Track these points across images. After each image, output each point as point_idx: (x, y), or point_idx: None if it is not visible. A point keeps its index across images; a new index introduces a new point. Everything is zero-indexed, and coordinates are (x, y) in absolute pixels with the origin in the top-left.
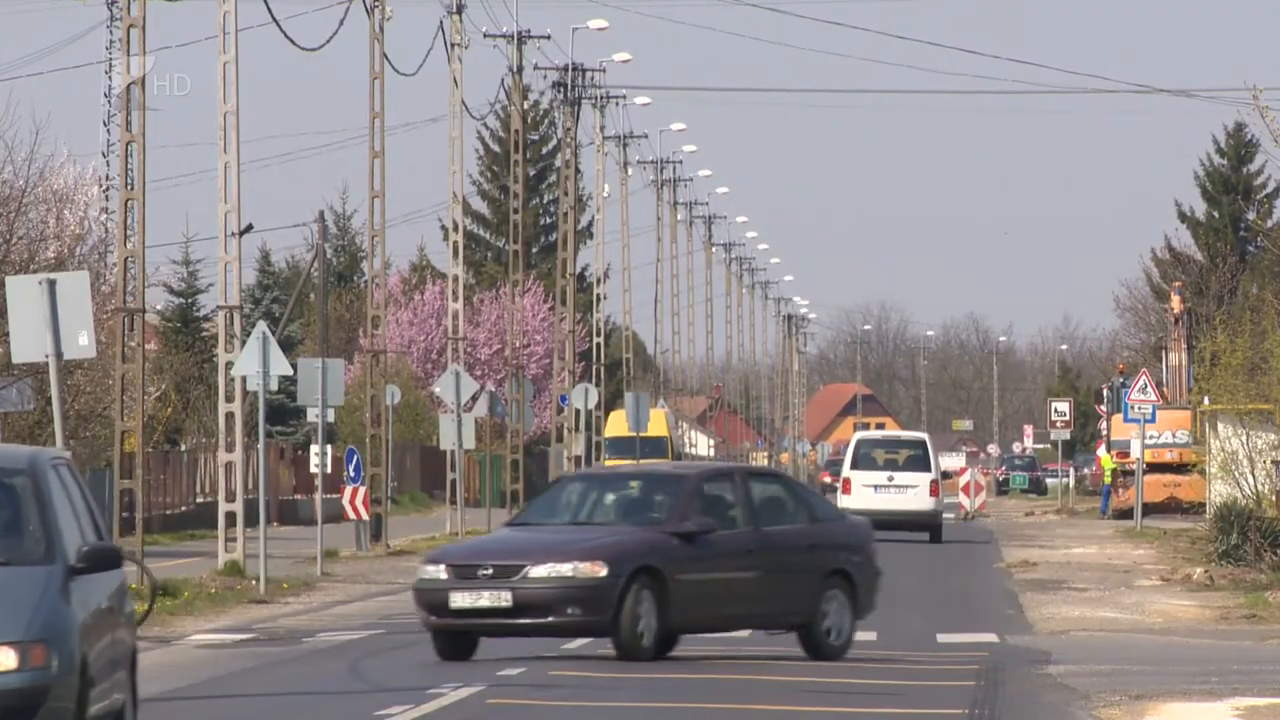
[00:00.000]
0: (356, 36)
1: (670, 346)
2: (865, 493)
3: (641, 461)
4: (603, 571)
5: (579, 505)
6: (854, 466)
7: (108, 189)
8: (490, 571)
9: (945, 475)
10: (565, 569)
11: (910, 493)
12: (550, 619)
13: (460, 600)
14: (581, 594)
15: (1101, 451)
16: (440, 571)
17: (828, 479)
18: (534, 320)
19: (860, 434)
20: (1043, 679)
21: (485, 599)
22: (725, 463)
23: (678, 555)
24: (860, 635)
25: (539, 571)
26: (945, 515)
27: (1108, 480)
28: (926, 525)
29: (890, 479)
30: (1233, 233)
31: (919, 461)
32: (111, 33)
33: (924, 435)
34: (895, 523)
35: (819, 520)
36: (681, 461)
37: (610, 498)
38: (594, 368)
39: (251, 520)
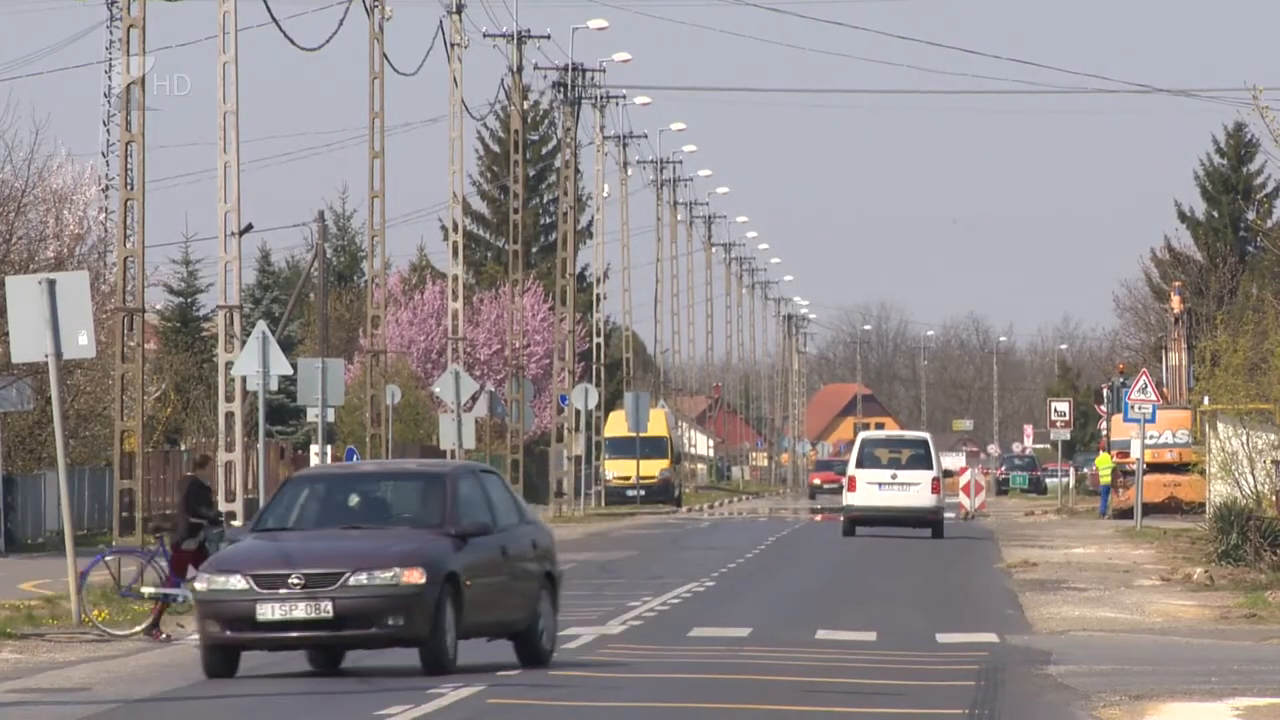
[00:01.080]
0: (356, 36)
1: (670, 346)
2: (870, 490)
3: (369, 460)
4: (421, 579)
5: (335, 508)
6: (859, 465)
7: (107, 189)
8: (301, 581)
9: (947, 474)
10: (386, 576)
11: (913, 490)
12: (373, 630)
13: (270, 612)
14: (404, 603)
15: (1101, 454)
16: (239, 581)
17: (817, 480)
18: (534, 320)
19: (865, 434)
20: (1043, 679)
21: (301, 610)
22: (458, 461)
23: (462, 560)
24: (860, 635)
25: (359, 579)
26: (947, 515)
27: (1105, 480)
28: (929, 521)
29: (894, 476)
30: (1233, 233)
31: (921, 460)
32: (111, 33)
33: (926, 435)
34: (898, 519)
35: (529, 521)
36: (419, 460)
37: (361, 499)
38: (594, 368)
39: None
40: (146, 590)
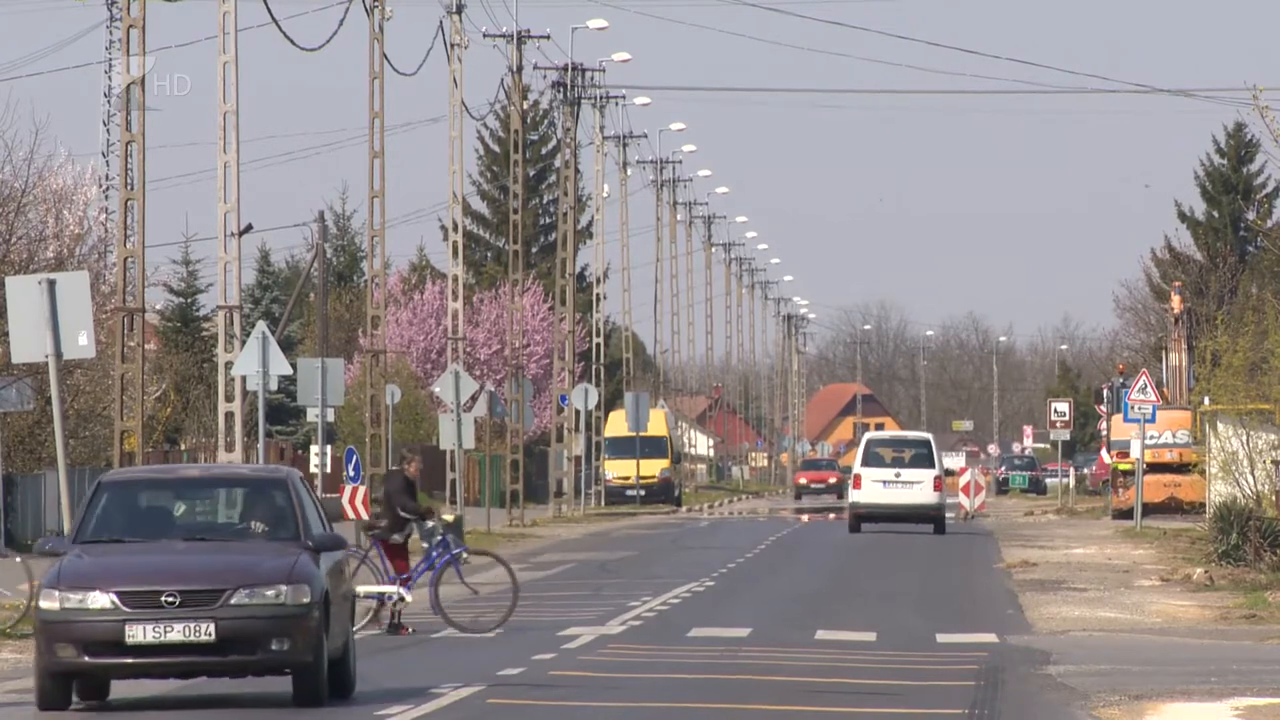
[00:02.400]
0: (356, 36)
1: (670, 346)
2: (875, 488)
3: (194, 464)
4: (306, 597)
5: (165, 516)
6: (864, 464)
7: (107, 189)
8: (177, 600)
9: (948, 473)
10: (270, 595)
11: (916, 488)
12: (258, 655)
13: (141, 634)
14: (289, 625)
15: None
16: (100, 598)
17: (803, 480)
18: (534, 320)
19: (869, 434)
20: (1042, 679)
21: (178, 632)
22: (267, 465)
23: (324, 577)
24: (860, 635)
25: (242, 598)
26: (947, 515)
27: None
28: (931, 518)
29: (897, 475)
30: (1233, 233)
31: (923, 459)
32: (111, 33)
33: (928, 435)
34: (902, 515)
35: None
36: (240, 464)
37: (195, 506)
38: (594, 368)
39: None
40: (361, 589)
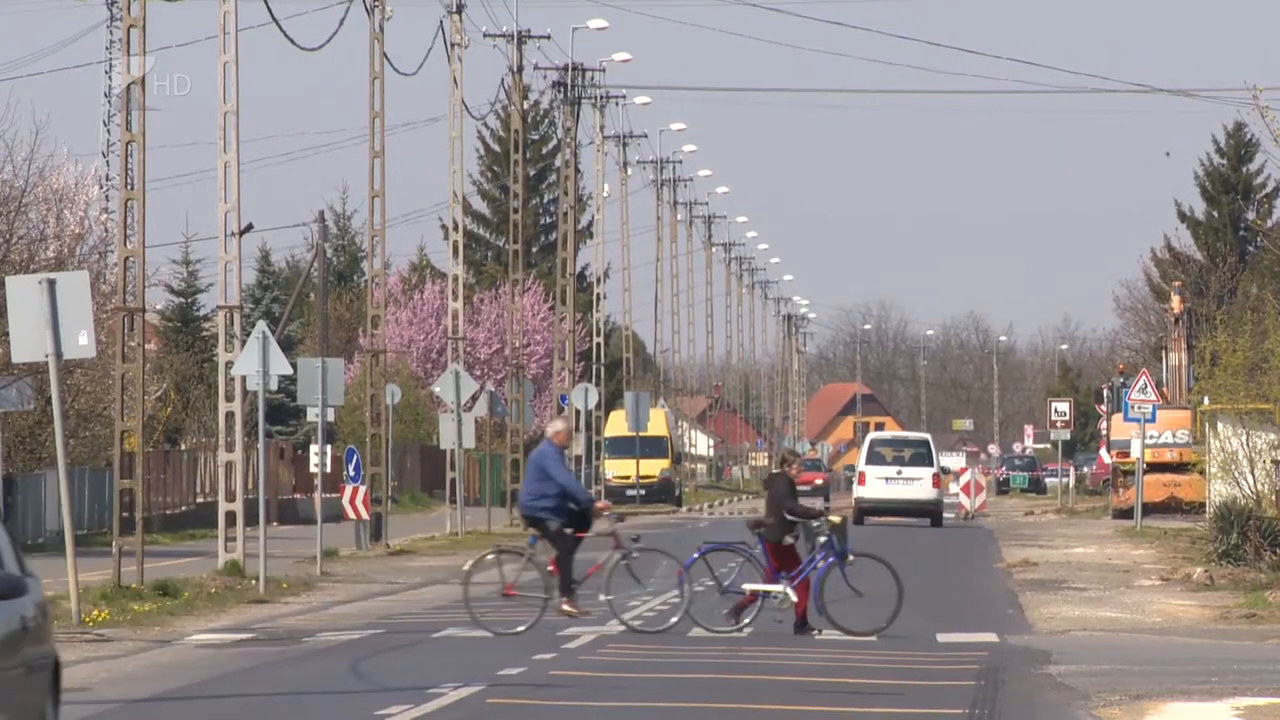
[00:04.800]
0: (356, 36)
1: (670, 346)
2: (878, 484)
3: None
4: None
5: None
6: (868, 462)
7: (108, 189)
8: None
9: (945, 470)
10: None
11: (915, 484)
12: None
13: None
14: None
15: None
16: None
17: None
18: (534, 320)
19: (872, 435)
20: (1043, 679)
21: None
22: None
23: None
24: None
25: None
26: (946, 514)
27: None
28: (929, 512)
29: (899, 473)
30: (1232, 233)
31: (923, 458)
32: (111, 33)
33: (927, 436)
34: (902, 510)
35: (29, 574)
36: None
37: None
38: (594, 367)
39: (251, 520)
40: (747, 586)
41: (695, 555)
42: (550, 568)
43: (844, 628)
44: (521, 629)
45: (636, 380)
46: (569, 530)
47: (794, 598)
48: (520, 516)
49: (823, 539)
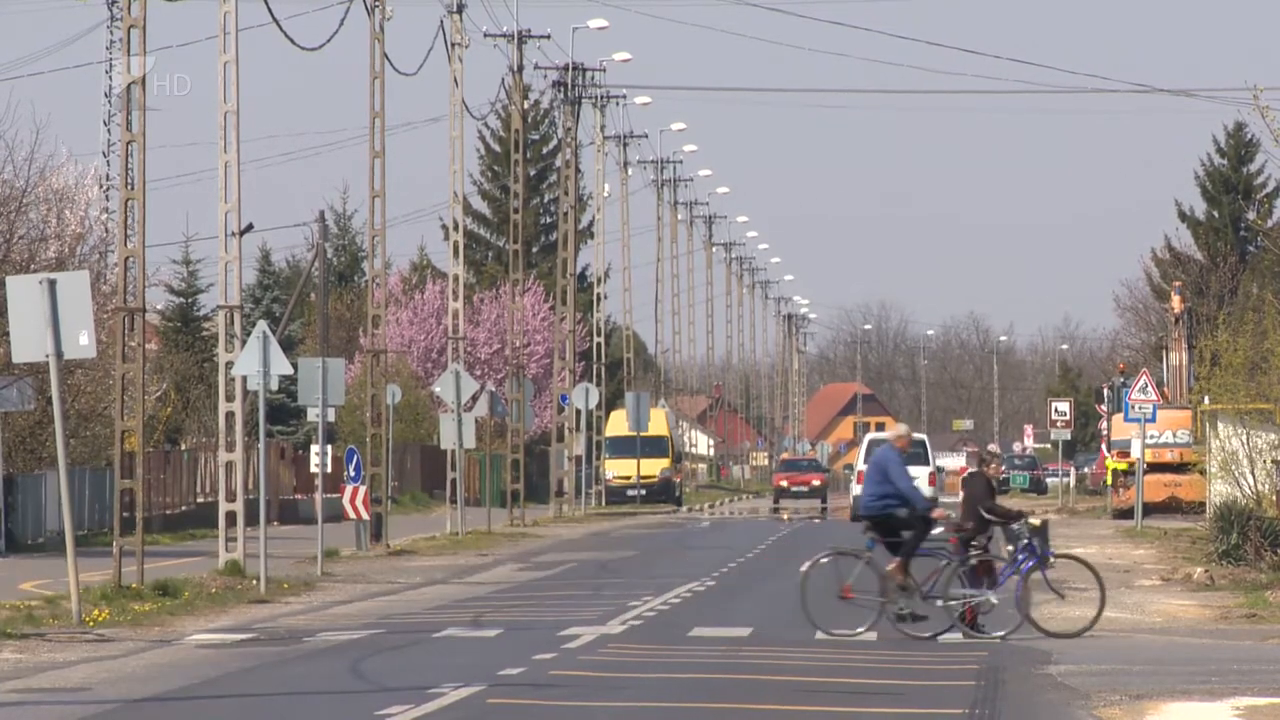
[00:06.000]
0: (356, 36)
1: (670, 346)
2: None
3: None
4: None
5: None
6: (866, 462)
7: (108, 189)
8: None
9: (940, 469)
10: None
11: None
12: None
13: None
14: None
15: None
16: None
17: (783, 482)
18: (534, 320)
19: (870, 435)
20: (1043, 679)
21: None
22: None
23: None
24: (860, 635)
25: None
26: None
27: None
28: None
29: None
30: (1233, 232)
31: (918, 457)
32: (111, 33)
33: (923, 435)
34: None
35: None
36: None
37: None
38: (594, 367)
39: (252, 520)
40: (955, 593)
41: (820, 557)
42: (888, 568)
43: (1046, 630)
44: (861, 630)
45: (637, 380)
46: (906, 534)
47: (995, 601)
48: (859, 518)
49: (1024, 541)
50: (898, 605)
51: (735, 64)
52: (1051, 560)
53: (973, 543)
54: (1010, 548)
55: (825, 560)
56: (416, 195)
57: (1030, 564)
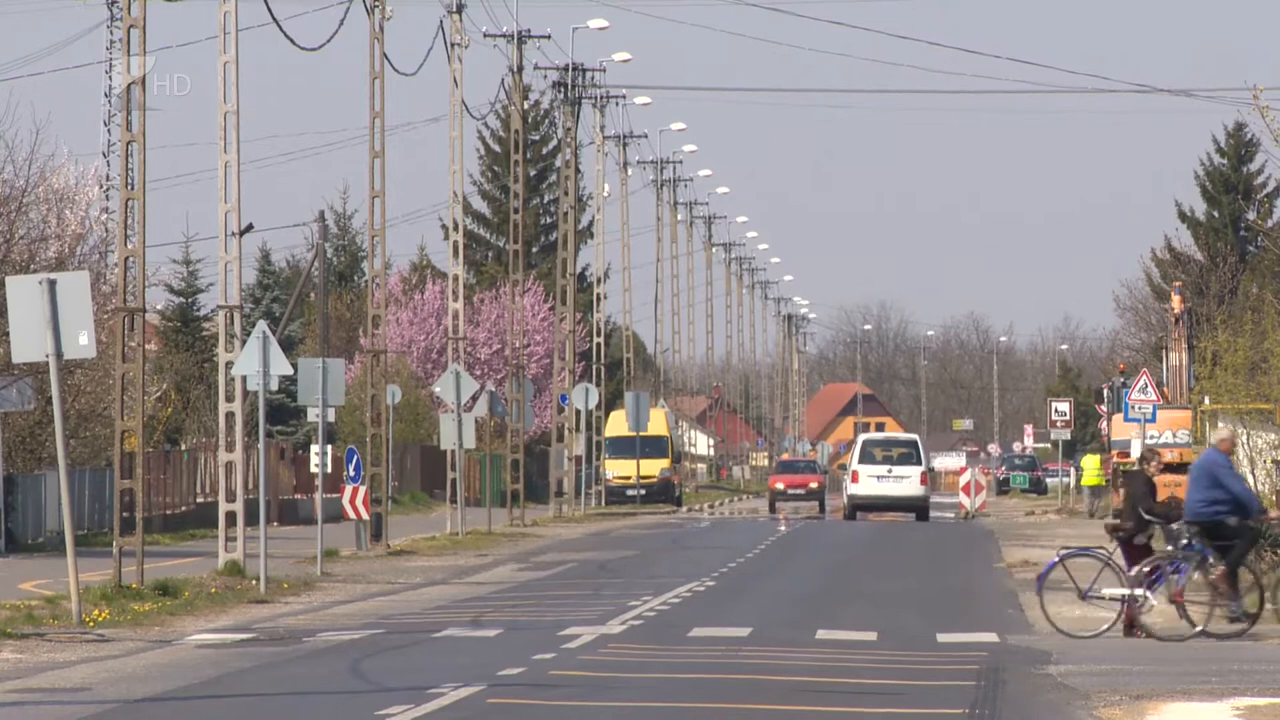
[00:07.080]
0: (356, 36)
1: (670, 346)
2: (870, 481)
3: None
4: None
5: None
6: (860, 461)
7: (108, 189)
8: None
9: (932, 469)
10: None
11: (905, 482)
12: None
13: None
14: None
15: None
16: None
17: (780, 485)
18: (534, 320)
19: (864, 436)
20: (1043, 679)
21: None
22: None
23: None
24: (860, 635)
25: None
26: (947, 515)
27: (1090, 483)
28: (916, 507)
29: (889, 471)
30: (1233, 232)
31: (911, 457)
32: (111, 33)
33: (916, 436)
34: (893, 505)
35: None
36: None
37: None
38: (594, 367)
39: (252, 520)
40: (1107, 592)
41: (1054, 560)
42: (1214, 574)
43: (1205, 631)
44: (1104, 629)
45: (637, 380)
46: (1239, 540)
47: (1154, 601)
48: (1186, 523)
49: (1184, 541)
50: (1229, 610)
51: (735, 64)
52: (1212, 560)
53: (1133, 542)
54: (1170, 547)
55: (1067, 560)
56: (416, 195)
57: (1191, 563)
